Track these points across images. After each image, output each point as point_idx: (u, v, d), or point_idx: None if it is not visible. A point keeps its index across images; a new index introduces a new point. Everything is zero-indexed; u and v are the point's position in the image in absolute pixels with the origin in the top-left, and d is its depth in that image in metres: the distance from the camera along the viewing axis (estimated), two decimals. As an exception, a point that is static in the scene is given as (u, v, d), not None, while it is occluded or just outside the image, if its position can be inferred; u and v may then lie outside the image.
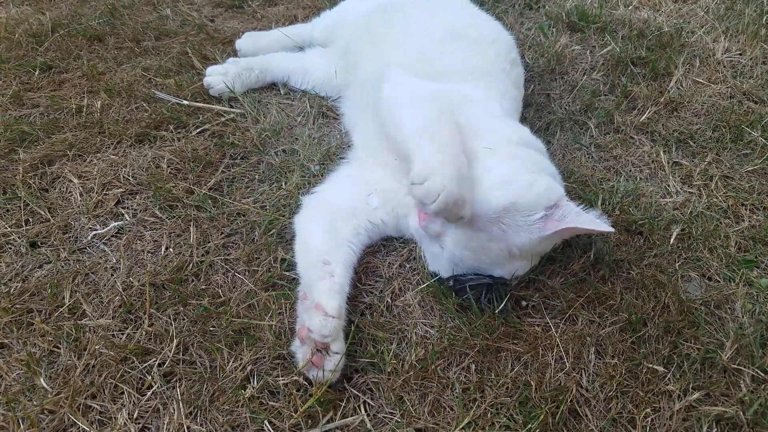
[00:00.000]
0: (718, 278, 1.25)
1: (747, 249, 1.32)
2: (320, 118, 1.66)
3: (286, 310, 1.12)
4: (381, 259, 1.27)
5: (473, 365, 1.06)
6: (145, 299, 1.12)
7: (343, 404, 0.99)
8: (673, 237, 1.30)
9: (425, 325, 1.13)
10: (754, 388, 1.04)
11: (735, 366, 1.06)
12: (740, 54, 2.00)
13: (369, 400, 1.01)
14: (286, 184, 1.40)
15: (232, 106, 1.65)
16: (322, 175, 1.44)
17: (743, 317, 1.16)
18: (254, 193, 1.39)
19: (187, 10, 2.07)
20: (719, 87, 1.82)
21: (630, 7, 2.25)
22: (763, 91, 1.82)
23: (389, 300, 1.17)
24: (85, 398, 0.98)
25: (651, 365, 1.06)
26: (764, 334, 1.13)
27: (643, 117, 1.67)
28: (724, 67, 1.92)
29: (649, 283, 1.19)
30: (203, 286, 1.17)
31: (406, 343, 1.09)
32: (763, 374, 1.05)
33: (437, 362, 1.05)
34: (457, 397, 1.00)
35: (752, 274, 1.26)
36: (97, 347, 1.04)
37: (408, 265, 1.26)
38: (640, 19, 2.15)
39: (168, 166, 1.42)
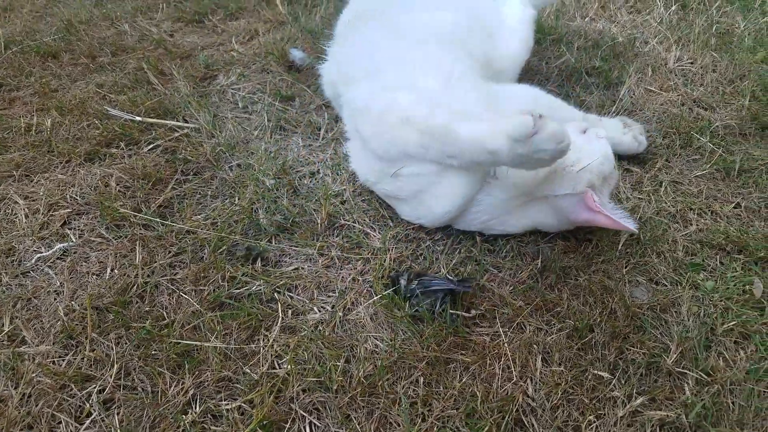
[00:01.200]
0: (665, 282, 1.26)
1: (694, 252, 1.34)
2: (278, 131, 1.65)
3: (233, 331, 1.11)
4: (335, 272, 1.26)
5: (422, 378, 1.05)
6: (87, 323, 1.10)
7: (288, 425, 0.98)
8: (621, 243, 1.32)
9: (376, 339, 1.13)
10: (698, 390, 1.05)
11: (679, 369, 1.08)
12: (691, 63, 2.05)
13: (315, 420, 0.99)
14: (239, 199, 1.39)
15: (186, 121, 1.64)
16: (276, 189, 1.44)
17: (689, 320, 1.17)
18: (206, 210, 1.38)
19: (146, 25, 2.06)
20: (670, 95, 1.86)
21: (586, 19, 2.30)
22: (712, 98, 1.86)
23: (341, 315, 1.16)
24: (21, 429, 0.95)
25: (597, 371, 1.07)
26: (708, 336, 1.15)
27: (596, 125, 1.70)
28: (676, 75, 1.97)
29: (596, 289, 1.21)
30: (147, 308, 1.15)
31: (356, 359, 1.08)
32: (706, 377, 1.07)
33: (385, 377, 1.05)
34: (404, 412, 1.00)
35: (698, 277, 1.28)
36: (34, 375, 1.01)
37: (362, 278, 1.25)
38: (595, 30, 2.19)
39: (117, 185, 1.40)
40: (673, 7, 2.34)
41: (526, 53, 1.68)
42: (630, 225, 1.17)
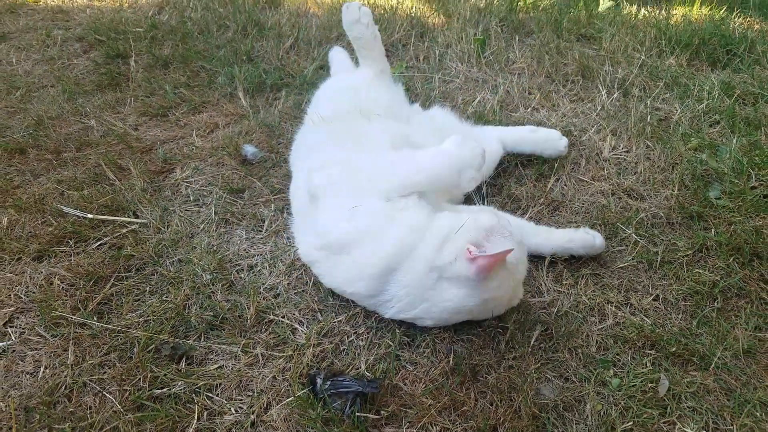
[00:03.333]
0: (574, 379, 1.32)
1: (607, 348, 1.40)
2: (223, 224, 1.75)
3: None
4: (257, 371, 1.32)
5: (325, 481, 1.10)
6: (14, 425, 1.16)
7: None
8: (534, 338, 1.39)
9: (286, 440, 1.17)
10: (590, 494, 1.09)
11: (575, 472, 1.12)
12: (626, 151, 2.17)
13: None
14: (174, 296, 1.47)
15: (137, 216, 1.74)
16: (212, 284, 1.51)
17: (591, 419, 1.22)
18: (143, 306, 1.45)
19: (112, 119, 2.20)
20: (601, 184, 1.97)
21: (529, 109, 2.44)
22: (642, 187, 1.97)
23: (254, 417, 1.21)
24: None
25: (494, 475, 1.11)
26: (608, 435, 1.19)
27: (526, 216, 1.79)
28: (610, 164, 2.08)
29: (504, 387, 1.26)
30: (72, 409, 1.20)
31: (263, 461, 1.13)
32: (599, 480, 1.11)
33: (289, 480, 1.09)
34: None
35: (608, 374, 1.34)
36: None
37: (282, 377, 1.31)
38: (535, 120, 2.33)
39: (61, 283, 1.49)
40: (615, 95, 2.49)
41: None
42: (508, 244, 1.26)
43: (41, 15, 3.12)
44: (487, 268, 1.23)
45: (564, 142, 2.02)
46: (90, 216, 1.69)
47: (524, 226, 1.64)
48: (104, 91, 2.39)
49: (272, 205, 1.82)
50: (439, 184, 1.48)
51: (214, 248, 1.64)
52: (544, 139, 2.03)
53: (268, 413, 1.22)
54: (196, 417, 1.19)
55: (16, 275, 1.52)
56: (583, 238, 1.63)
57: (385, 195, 1.36)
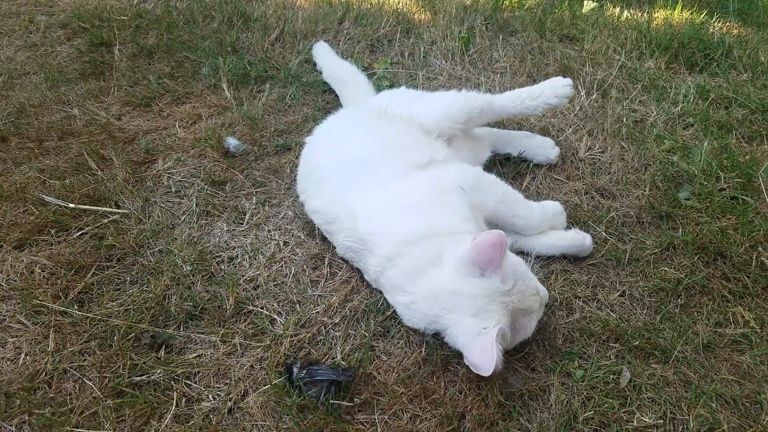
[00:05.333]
0: (540, 369, 1.38)
1: (573, 340, 1.46)
2: (204, 216, 1.78)
3: (127, 418, 1.19)
4: (235, 360, 1.36)
5: (298, 466, 1.14)
6: (-8, 409, 1.18)
7: None
8: (504, 332, 1.44)
9: (261, 428, 1.21)
10: (550, 479, 1.15)
11: (536, 458, 1.18)
12: (602, 152, 2.23)
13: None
14: (154, 286, 1.49)
15: (119, 207, 1.76)
16: (192, 275, 1.54)
17: (555, 408, 1.28)
18: (123, 296, 1.48)
19: (95, 109, 2.21)
20: (575, 184, 2.03)
21: (509, 106, 2.49)
22: (615, 186, 2.03)
23: (231, 404, 1.25)
24: None
25: (460, 460, 1.16)
26: (570, 423, 1.25)
27: (502, 213, 1.84)
28: (585, 164, 2.14)
29: (473, 376, 1.31)
30: (52, 395, 1.23)
31: (238, 446, 1.17)
32: (559, 465, 1.17)
33: (263, 465, 1.13)
34: (274, 499, 1.08)
35: (573, 365, 1.39)
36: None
37: (259, 365, 1.35)
38: (515, 121, 2.38)
39: (42, 271, 1.51)
40: (594, 96, 2.54)
41: None
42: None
43: (24, 0, 3.09)
44: None
45: (556, 151, 2.07)
46: (71, 205, 1.71)
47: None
48: (87, 79, 2.39)
49: (254, 198, 1.85)
50: None
51: (195, 240, 1.67)
52: (538, 145, 2.07)
53: (245, 400, 1.26)
54: (174, 403, 1.23)
55: (-3, 263, 1.54)
56: (574, 238, 1.69)
57: None
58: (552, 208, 1.73)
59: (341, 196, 1.53)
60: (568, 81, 1.98)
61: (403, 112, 1.75)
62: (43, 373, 1.27)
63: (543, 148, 2.07)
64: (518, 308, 1.28)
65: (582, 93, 2.53)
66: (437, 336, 1.36)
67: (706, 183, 1.96)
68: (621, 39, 2.82)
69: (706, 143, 2.14)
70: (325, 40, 2.58)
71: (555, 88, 1.97)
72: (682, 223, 1.82)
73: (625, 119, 2.37)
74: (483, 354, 1.16)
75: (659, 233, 1.82)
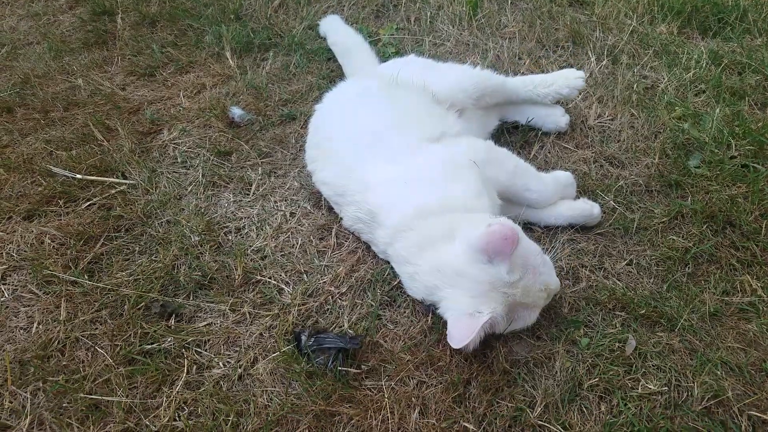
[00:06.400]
0: (545, 337, 1.39)
1: (578, 309, 1.47)
2: (210, 187, 1.78)
3: (139, 385, 1.22)
4: (245, 328, 1.38)
5: (307, 430, 1.17)
6: (8, 377, 1.21)
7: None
8: (510, 301, 1.45)
9: (271, 393, 1.24)
10: (555, 444, 1.17)
11: (541, 422, 1.20)
12: (611, 119, 2.19)
13: (203, 469, 1.11)
14: (162, 255, 1.51)
15: (125, 177, 1.76)
16: (200, 245, 1.55)
17: (560, 375, 1.29)
18: (132, 266, 1.49)
19: (99, 79, 2.19)
20: (585, 152, 2.00)
21: (518, 75, 2.45)
22: (624, 155, 2.00)
23: (241, 371, 1.28)
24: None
25: (465, 423, 1.18)
26: (575, 390, 1.27)
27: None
28: (594, 132, 2.11)
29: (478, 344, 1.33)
30: (65, 362, 1.26)
31: (248, 414, 1.20)
32: (563, 430, 1.19)
33: (273, 430, 1.16)
34: (284, 462, 1.11)
35: (578, 333, 1.40)
36: (-50, 427, 1.12)
37: (268, 334, 1.37)
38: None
39: (51, 242, 1.52)
40: (604, 62, 2.49)
41: None
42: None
43: (24, -32, 3.04)
44: None
45: (566, 119, 2.03)
46: (79, 176, 1.71)
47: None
48: (91, 49, 2.37)
49: (259, 168, 1.84)
50: None
51: (202, 210, 1.68)
52: (547, 113, 2.04)
53: (255, 367, 1.28)
54: (185, 370, 1.26)
55: (7, 234, 1.55)
56: (582, 208, 1.67)
57: None
58: (564, 179, 1.71)
59: (352, 168, 1.52)
60: (581, 73, 2.01)
61: (415, 81, 1.72)
62: (56, 342, 1.30)
63: (553, 116, 2.04)
64: (520, 301, 1.26)
65: (592, 59, 2.48)
66: (434, 307, 1.37)
67: (716, 151, 1.93)
68: (632, 3, 2.74)
69: (717, 110, 2.10)
70: (329, 6, 2.53)
71: (568, 79, 1.99)
72: (692, 191, 1.80)
73: (635, 86, 2.32)
74: (463, 332, 1.17)
75: (668, 202, 1.80)
